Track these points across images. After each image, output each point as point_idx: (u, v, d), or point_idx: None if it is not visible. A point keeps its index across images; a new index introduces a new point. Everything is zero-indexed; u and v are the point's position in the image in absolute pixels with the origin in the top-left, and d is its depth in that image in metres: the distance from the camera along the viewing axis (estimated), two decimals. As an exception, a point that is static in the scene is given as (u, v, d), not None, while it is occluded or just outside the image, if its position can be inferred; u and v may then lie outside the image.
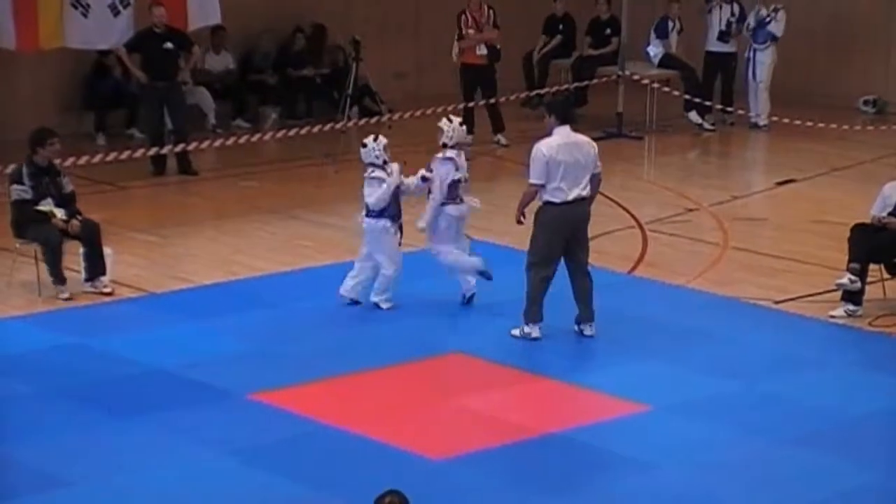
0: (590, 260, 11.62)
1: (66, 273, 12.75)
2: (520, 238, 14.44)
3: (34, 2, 16.31)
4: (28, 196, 12.66)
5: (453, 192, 12.38)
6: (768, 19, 20.01)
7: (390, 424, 9.99)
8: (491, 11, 18.87)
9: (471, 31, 18.77)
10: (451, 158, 12.39)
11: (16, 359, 11.13)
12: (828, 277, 12.87)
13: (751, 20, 20.16)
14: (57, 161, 12.98)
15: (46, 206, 12.69)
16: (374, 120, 18.20)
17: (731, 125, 20.41)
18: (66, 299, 12.48)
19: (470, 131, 18.92)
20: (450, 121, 12.56)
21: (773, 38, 20.11)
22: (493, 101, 18.86)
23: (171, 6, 17.11)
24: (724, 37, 20.26)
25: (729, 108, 20.29)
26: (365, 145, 12.39)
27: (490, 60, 18.87)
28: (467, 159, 12.59)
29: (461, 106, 18.52)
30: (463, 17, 18.83)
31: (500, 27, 18.90)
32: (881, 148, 18.27)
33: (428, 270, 12.62)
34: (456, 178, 12.38)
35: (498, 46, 18.95)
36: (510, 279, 13.07)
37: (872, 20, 21.43)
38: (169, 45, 17.02)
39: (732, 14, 20.28)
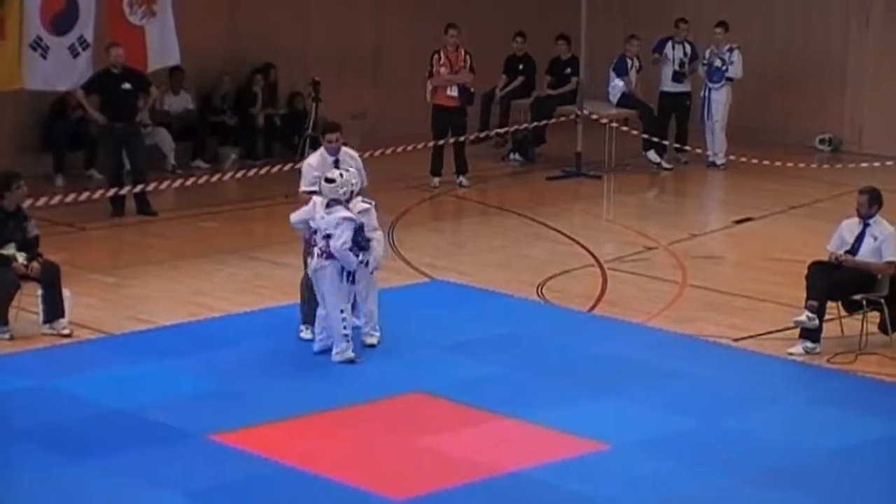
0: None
1: (25, 315, 12.69)
2: (482, 277, 14.48)
3: (-8, 45, 16.30)
4: None
5: None
6: (725, 67, 20.16)
7: (352, 465, 9.97)
8: (468, 56, 18.87)
9: (443, 70, 18.76)
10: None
11: (-28, 402, 11.06)
12: (786, 315, 12.94)
13: (706, 59, 20.29)
14: (24, 205, 12.95)
15: (9, 250, 12.64)
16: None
17: (685, 164, 20.50)
18: (9, 339, 12.44)
19: (438, 172, 18.99)
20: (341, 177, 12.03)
21: (730, 79, 20.27)
22: (460, 141, 18.84)
23: (130, 47, 17.07)
24: (678, 77, 20.40)
25: (685, 148, 20.39)
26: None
27: (462, 103, 18.82)
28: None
29: (421, 146, 18.54)
30: (436, 56, 18.82)
31: (476, 71, 18.89)
32: (837, 186, 18.38)
33: (389, 310, 12.63)
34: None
35: (471, 90, 18.94)
36: (473, 318, 13.10)
37: (828, 59, 21.59)
38: (127, 85, 16.96)
39: (685, 54, 20.42)
